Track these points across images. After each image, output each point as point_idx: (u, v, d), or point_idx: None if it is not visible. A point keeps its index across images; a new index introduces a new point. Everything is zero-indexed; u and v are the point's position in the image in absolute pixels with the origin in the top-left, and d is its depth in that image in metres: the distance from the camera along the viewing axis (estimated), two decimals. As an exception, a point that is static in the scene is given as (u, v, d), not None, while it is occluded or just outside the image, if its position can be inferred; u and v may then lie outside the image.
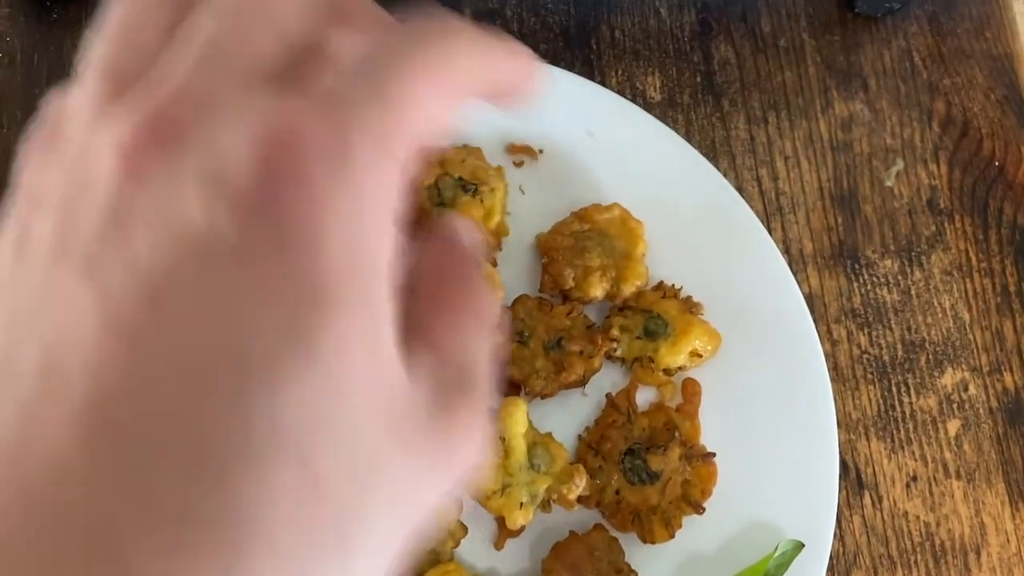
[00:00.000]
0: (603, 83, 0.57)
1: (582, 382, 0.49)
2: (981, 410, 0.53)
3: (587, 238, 0.50)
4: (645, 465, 0.48)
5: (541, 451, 0.47)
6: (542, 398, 0.49)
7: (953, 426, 0.53)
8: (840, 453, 0.49)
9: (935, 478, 0.52)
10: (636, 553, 0.47)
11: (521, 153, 0.53)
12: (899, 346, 0.54)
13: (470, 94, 0.19)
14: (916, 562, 0.51)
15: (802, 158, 0.57)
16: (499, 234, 0.51)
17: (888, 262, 0.55)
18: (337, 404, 0.16)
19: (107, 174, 0.17)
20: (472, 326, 0.20)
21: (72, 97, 0.19)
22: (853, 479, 0.52)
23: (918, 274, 0.55)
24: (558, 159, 0.53)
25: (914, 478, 0.52)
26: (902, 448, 0.52)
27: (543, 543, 0.48)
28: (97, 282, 0.16)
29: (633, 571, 0.47)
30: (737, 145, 0.57)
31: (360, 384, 0.17)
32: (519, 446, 0.46)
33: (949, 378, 0.53)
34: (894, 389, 0.53)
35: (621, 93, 0.55)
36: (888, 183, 0.57)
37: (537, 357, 0.49)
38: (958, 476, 0.52)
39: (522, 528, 0.47)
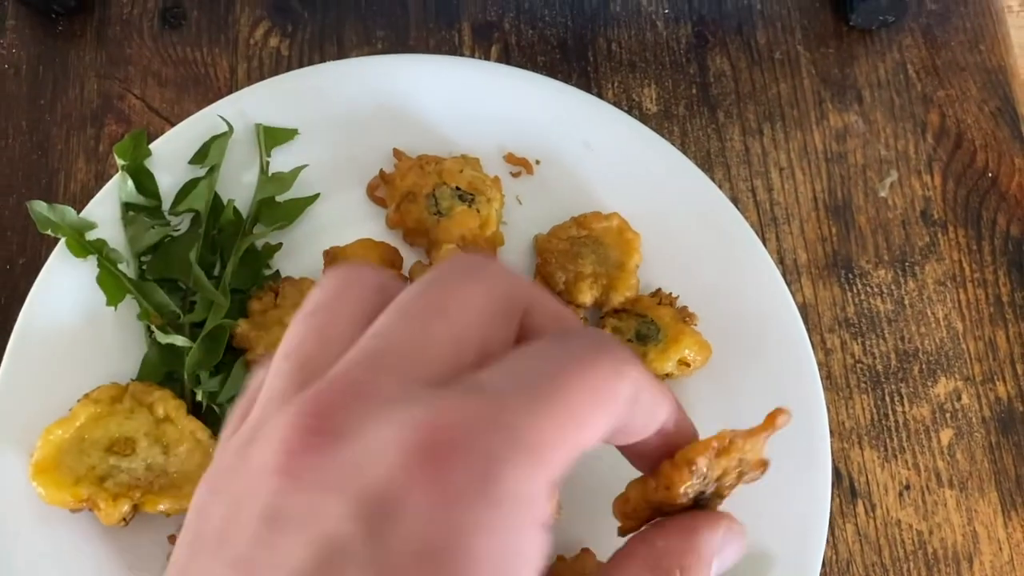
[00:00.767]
0: (600, 95, 0.57)
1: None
2: (974, 419, 0.53)
3: (582, 244, 0.51)
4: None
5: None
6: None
7: (946, 435, 0.53)
8: (833, 461, 0.49)
9: (928, 487, 0.52)
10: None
11: (518, 164, 0.53)
12: (892, 355, 0.54)
13: (632, 430, 0.21)
14: (909, 570, 0.51)
15: (796, 169, 0.57)
16: (495, 244, 0.51)
17: (882, 272, 0.56)
18: None
19: (270, 472, 0.18)
20: None
21: (269, 377, 0.21)
22: (846, 487, 0.52)
23: (911, 284, 0.55)
24: (555, 169, 0.53)
25: (907, 487, 0.52)
26: (895, 457, 0.53)
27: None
28: None
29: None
30: (732, 156, 0.57)
31: None
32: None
33: (942, 387, 0.54)
34: (887, 398, 0.53)
35: (617, 105, 0.56)
36: (882, 194, 0.57)
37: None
38: (951, 485, 0.52)
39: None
